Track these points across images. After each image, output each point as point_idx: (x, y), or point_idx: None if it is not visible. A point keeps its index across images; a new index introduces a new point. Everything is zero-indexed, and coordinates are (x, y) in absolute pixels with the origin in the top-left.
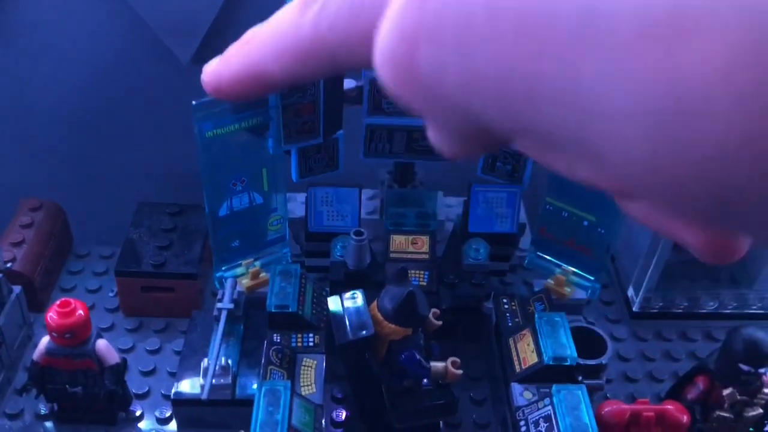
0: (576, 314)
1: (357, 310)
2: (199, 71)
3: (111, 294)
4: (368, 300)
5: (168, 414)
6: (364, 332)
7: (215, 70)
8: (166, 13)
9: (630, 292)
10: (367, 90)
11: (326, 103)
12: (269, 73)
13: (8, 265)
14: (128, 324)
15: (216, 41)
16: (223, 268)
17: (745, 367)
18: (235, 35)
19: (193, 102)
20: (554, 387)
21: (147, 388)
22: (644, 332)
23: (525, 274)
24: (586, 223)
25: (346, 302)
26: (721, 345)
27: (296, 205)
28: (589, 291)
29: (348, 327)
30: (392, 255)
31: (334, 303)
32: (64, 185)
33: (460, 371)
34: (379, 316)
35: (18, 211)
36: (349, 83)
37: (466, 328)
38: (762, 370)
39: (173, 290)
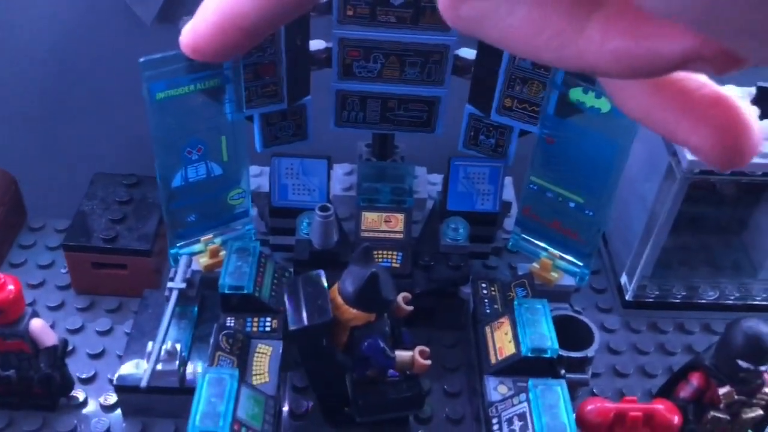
0: (563, 302)
1: (316, 292)
2: (164, 32)
3: (63, 270)
4: (334, 282)
5: (114, 401)
6: (319, 318)
7: (191, 27)
8: None
9: (623, 279)
10: (336, 51)
11: (290, 64)
12: (245, 15)
13: None
14: (79, 303)
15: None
16: (179, 245)
17: (744, 364)
18: None
19: (141, 59)
20: (531, 381)
21: (93, 372)
22: (637, 323)
23: (509, 258)
24: (572, 204)
25: (303, 284)
26: (719, 339)
27: (263, 179)
28: (578, 277)
29: (304, 311)
30: (363, 234)
31: (289, 284)
32: (19, 154)
33: (428, 362)
34: (339, 299)
35: None
36: (317, 44)
37: (443, 315)
38: (763, 368)
39: (126, 267)
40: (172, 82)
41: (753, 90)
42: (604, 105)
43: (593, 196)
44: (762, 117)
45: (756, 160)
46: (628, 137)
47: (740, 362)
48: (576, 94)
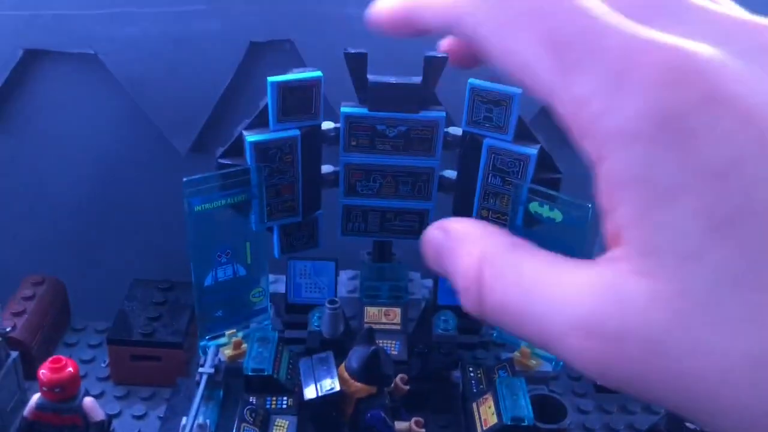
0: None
1: (326, 369)
2: (196, 160)
3: (103, 364)
4: (339, 363)
5: None
6: (330, 389)
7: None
8: (166, 107)
9: None
10: (343, 173)
11: (305, 185)
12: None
13: (7, 329)
14: (117, 392)
15: (212, 133)
16: (207, 338)
17: (691, 426)
18: (230, 127)
19: (184, 179)
20: None
21: None
22: (609, 405)
23: (495, 351)
24: None
25: (315, 363)
26: None
27: (279, 285)
28: (554, 363)
29: (317, 384)
30: (366, 325)
31: (304, 363)
32: (67, 263)
33: (423, 430)
34: (346, 375)
35: (21, 285)
36: (327, 168)
37: (437, 399)
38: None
39: (160, 359)
40: (207, 197)
41: None
42: (557, 216)
43: None
44: None
45: None
46: (581, 243)
47: (687, 425)
48: (534, 207)
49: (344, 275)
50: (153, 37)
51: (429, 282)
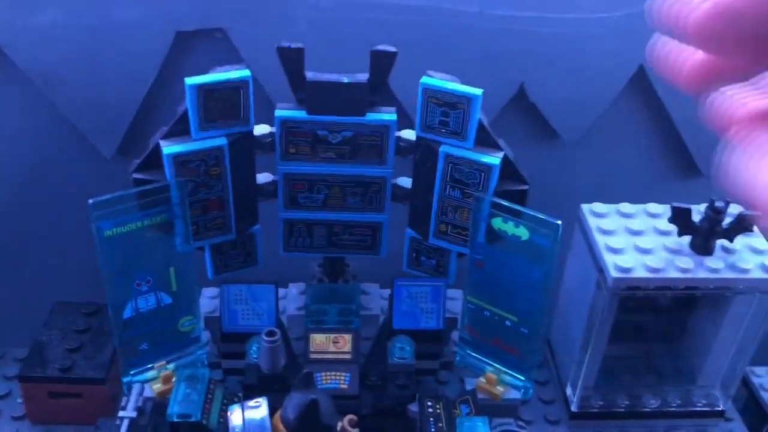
0: (510, 415)
1: (258, 422)
2: (124, 165)
3: (19, 400)
4: (278, 408)
5: None
6: None
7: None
8: (86, 106)
9: (568, 390)
10: (281, 184)
11: (237, 199)
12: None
13: None
14: None
15: (139, 133)
16: (132, 372)
17: None
18: (156, 128)
19: (90, 200)
20: None
21: None
22: None
23: (460, 372)
24: (508, 323)
25: (247, 412)
26: None
27: (218, 301)
28: (522, 391)
29: None
30: (312, 356)
31: (235, 414)
32: None
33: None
34: (281, 427)
35: None
36: (264, 177)
37: None
38: None
39: (81, 396)
40: (119, 220)
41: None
42: (523, 233)
43: (526, 316)
44: (680, 234)
45: (677, 275)
46: (548, 264)
47: None
48: (497, 223)
49: (294, 289)
50: (66, 27)
51: (388, 292)
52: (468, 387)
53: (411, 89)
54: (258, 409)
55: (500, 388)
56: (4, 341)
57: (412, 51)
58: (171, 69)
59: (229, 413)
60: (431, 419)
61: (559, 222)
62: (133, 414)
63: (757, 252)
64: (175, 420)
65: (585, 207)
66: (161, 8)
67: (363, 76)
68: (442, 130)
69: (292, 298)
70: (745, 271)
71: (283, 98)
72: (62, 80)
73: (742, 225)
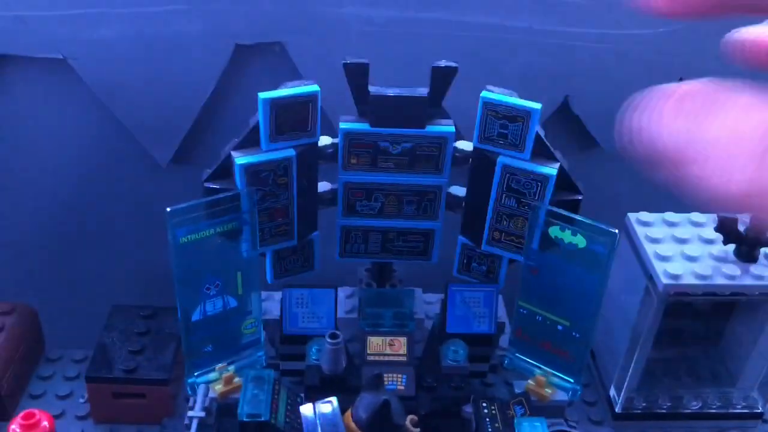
0: (558, 416)
1: (330, 419)
2: (178, 173)
3: (81, 400)
4: (344, 406)
5: None
6: None
7: None
8: (144, 116)
9: (612, 392)
10: (341, 192)
11: (300, 207)
12: None
13: None
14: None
15: (195, 143)
16: (196, 374)
17: None
18: (211, 138)
19: (168, 209)
20: None
21: None
22: None
23: (506, 375)
24: (560, 327)
25: (319, 410)
26: None
27: (272, 304)
28: (570, 393)
29: None
30: (369, 358)
31: (307, 411)
32: (38, 288)
33: None
34: (353, 426)
35: None
36: (323, 186)
37: None
38: None
39: (144, 396)
40: (193, 227)
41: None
42: (580, 242)
43: (578, 321)
44: (725, 242)
45: (724, 281)
46: (604, 271)
47: None
48: (555, 231)
49: (341, 293)
50: (127, 40)
51: (430, 297)
52: (516, 389)
53: (458, 101)
54: (329, 405)
55: (549, 390)
56: (60, 343)
57: (462, 65)
58: (229, 81)
59: (300, 409)
60: (487, 419)
61: (616, 230)
62: (202, 414)
63: None
64: (246, 420)
65: (632, 216)
66: (221, 22)
67: (423, 90)
68: (500, 142)
69: (340, 301)
70: None
71: (336, 111)
72: (123, 91)
73: None
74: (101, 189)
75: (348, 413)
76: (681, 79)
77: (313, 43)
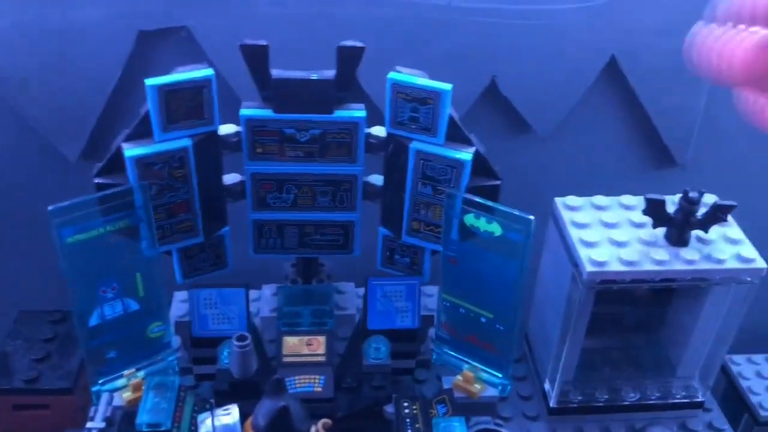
0: (489, 413)
1: (229, 429)
2: (90, 168)
3: None
4: (250, 414)
5: None
6: None
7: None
8: (48, 109)
9: (546, 385)
10: (249, 184)
11: (204, 201)
12: None
13: None
14: None
15: (105, 136)
16: (101, 381)
17: None
18: (121, 130)
19: (50, 207)
20: None
21: None
22: (563, 429)
23: (437, 369)
24: (483, 319)
25: (218, 420)
26: None
27: (188, 305)
28: (500, 388)
29: None
30: (285, 359)
31: (205, 423)
32: None
33: None
34: None
35: None
36: (232, 178)
37: None
38: None
39: (48, 407)
40: (81, 226)
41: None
42: (496, 229)
43: (501, 312)
44: (654, 226)
45: (653, 267)
46: (521, 260)
47: None
48: (470, 219)
49: (267, 290)
50: (25, 29)
51: (363, 291)
52: (445, 385)
53: (382, 86)
54: (228, 416)
55: (478, 386)
56: None
57: (382, 46)
58: (135, 69)
59: (198, 421)
60: (407, 420)
61: (532, 217)
62: (102, 425)
63: (733, 242)
64: (145, 430)
65: (558, 200)
66: (122, 7)
67: (330, 73)
68: (413, 126)
69: (266, 299)
70: (721, 261)
71: (251, 97)
72: (23, 83)
73: (716, 215)
74: (7, 187)
75: (248, 422)
76: (613, 57)
77: (221, 26)
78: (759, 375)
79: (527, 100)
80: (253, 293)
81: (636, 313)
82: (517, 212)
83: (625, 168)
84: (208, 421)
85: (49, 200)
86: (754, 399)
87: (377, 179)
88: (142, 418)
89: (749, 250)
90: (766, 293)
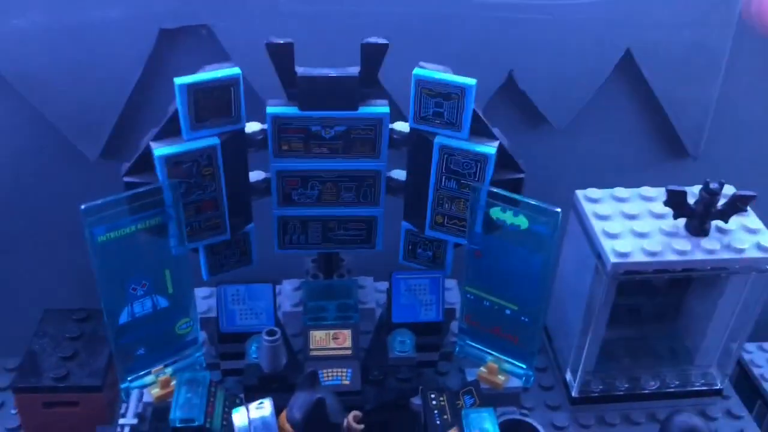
0: (512, 404)
1: (264, 422)
2: (110, 168)
3: (13, 411)
4: (285, 406)
5: None
6: None
7: None
8: (68, 109)
9: (568, 375)
10: (275, 181)
11: (230, 198)
12: None
13: None
14: None
15: (124, 135)
16: (129, 378)
17: None
18: (142, 131)
19: (82, 206)
20: None
21: None
22: (585, 418)
23: (459, 362)
24: (508, 311)
25: (252, 413)
26: None
27: (213, 301)
28: (523, 379)
29: None
30: (312, 353)
31: (238, 420)
32: None
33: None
34: (288, 427)
35: None
36: (257, 175)
37: (396, 428)
38: None
39: (77, 404)
40: (113, 225)
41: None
42: (522, 222)
43: (526, 304)
44: (675, 217)
45: (675, 257)
46: (548, 253)
47: None
48: (496, 212)
49: (288, 286)
50: (45, 29)
51: (382, 285)
52: (469, 377)
53: (400, 81)
54: (263, 408)
55: (501, 377)
56: None
57: (400, 42)
58: (155, 68)
59: (233, 415)
60: (436, 411)
61: (559, 210)
62: (134, 420)
63: (752, 232)
64: (178, 425)
65: (579, 193)
66: (143, 6)
67: (354, 70)
68: (437, 121)
69: (287, 295)
70: (741, 251)
71: (272, 94)
72: (43, 83)
73: (736, 205)
74: (29, 187)
75: (283, 414)
76: (628, 50)
77: (242, 25)
78: None
79: (544, 94)
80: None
81: (653, 304)
82: (543, 205)
83: (639, 159)
84: (243, 414)
85: (69, 199)
86: (766, 386)
87: (400, 174)
88: (176, 413)
89: None
90: None
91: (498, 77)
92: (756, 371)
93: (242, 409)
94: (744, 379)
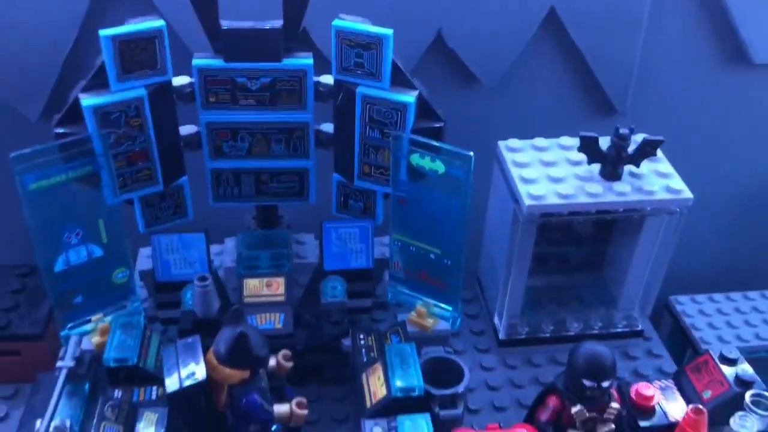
0: (442, 346)
1: (191, 355)
2: (49, 128)
3: None
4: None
5: None
6: (193, 379)
7: None
8: (6, 70)
9: (495, 320)
10: (205, 134)
11: (161, 150)
12: None
13: None
14: None
15: (62, 96)
16: (69, 326)
17: (588, 383)
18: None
19: (12, 154)
20: (398, 418)
21: None
22: (513, 360)
23: (393, 309)
24: (432, 256)
25: (180, 350)
26: (567, 363)
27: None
28: (450, 321)
29: (179, 375)
30: (246, 300)
31: (167, 351)
32: None
33: (305, 411)
34: (214, 360)
35: None
36: (188, 129)
37: (330, 370)
38: (605, 384)
39: (19, 353)
40: (44, 173)
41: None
42: (440, 167)
43: (448, 248)
44: (589, 162)
45: (588, 200)
46: (464, 195)
47: (584, 381)
48: (415, 159)
49: (229, 243)
50: None
51: None
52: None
53: (329, 37)
54: (191, 344)
55: (430, 320)
56: None
57: None
58: (92, 27)
59: (161, 353)
60: (363, 350)
61: (471, 153)
62: (71, 363)
63: (663, 176)
64: (112, 365)
65: (501, 143)
66: None
67: (278, 23)
68: (358, 72)
69: (228, 252)
70: (651, 193)
71: (202, 49)
72: None
73: (646, 150)
74: None
75: (210, 350)
76: (552, 8)
77: None
78: (701, 313)
79: (473, 53)
80: (216, 247)
81: (579, 252)
82: (458, 149)
83: (568, 116)
84: (172, 351)
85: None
86: (696, 334)
87: (329, 127)
88: (110, 354)
89: (677, 183)
90: (708, 236)
91: (427, 36)
92: (687, 321)
93: (170, 346)
94: (677, 330)
